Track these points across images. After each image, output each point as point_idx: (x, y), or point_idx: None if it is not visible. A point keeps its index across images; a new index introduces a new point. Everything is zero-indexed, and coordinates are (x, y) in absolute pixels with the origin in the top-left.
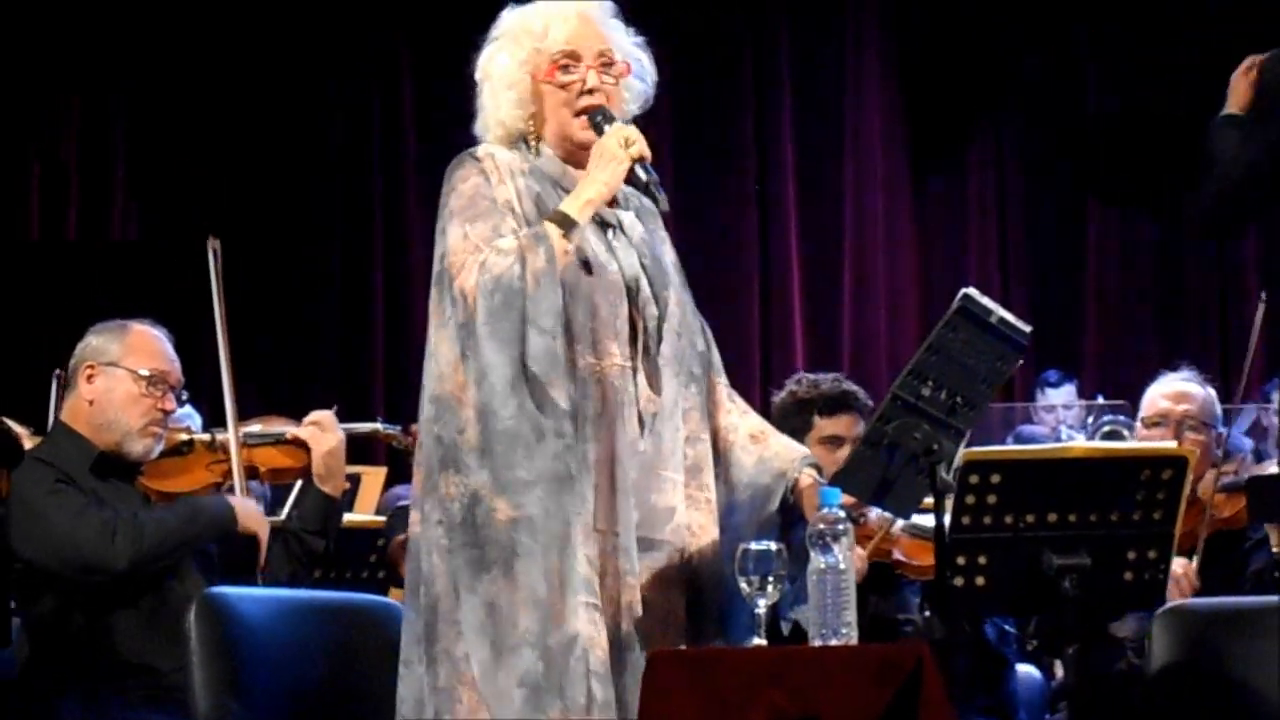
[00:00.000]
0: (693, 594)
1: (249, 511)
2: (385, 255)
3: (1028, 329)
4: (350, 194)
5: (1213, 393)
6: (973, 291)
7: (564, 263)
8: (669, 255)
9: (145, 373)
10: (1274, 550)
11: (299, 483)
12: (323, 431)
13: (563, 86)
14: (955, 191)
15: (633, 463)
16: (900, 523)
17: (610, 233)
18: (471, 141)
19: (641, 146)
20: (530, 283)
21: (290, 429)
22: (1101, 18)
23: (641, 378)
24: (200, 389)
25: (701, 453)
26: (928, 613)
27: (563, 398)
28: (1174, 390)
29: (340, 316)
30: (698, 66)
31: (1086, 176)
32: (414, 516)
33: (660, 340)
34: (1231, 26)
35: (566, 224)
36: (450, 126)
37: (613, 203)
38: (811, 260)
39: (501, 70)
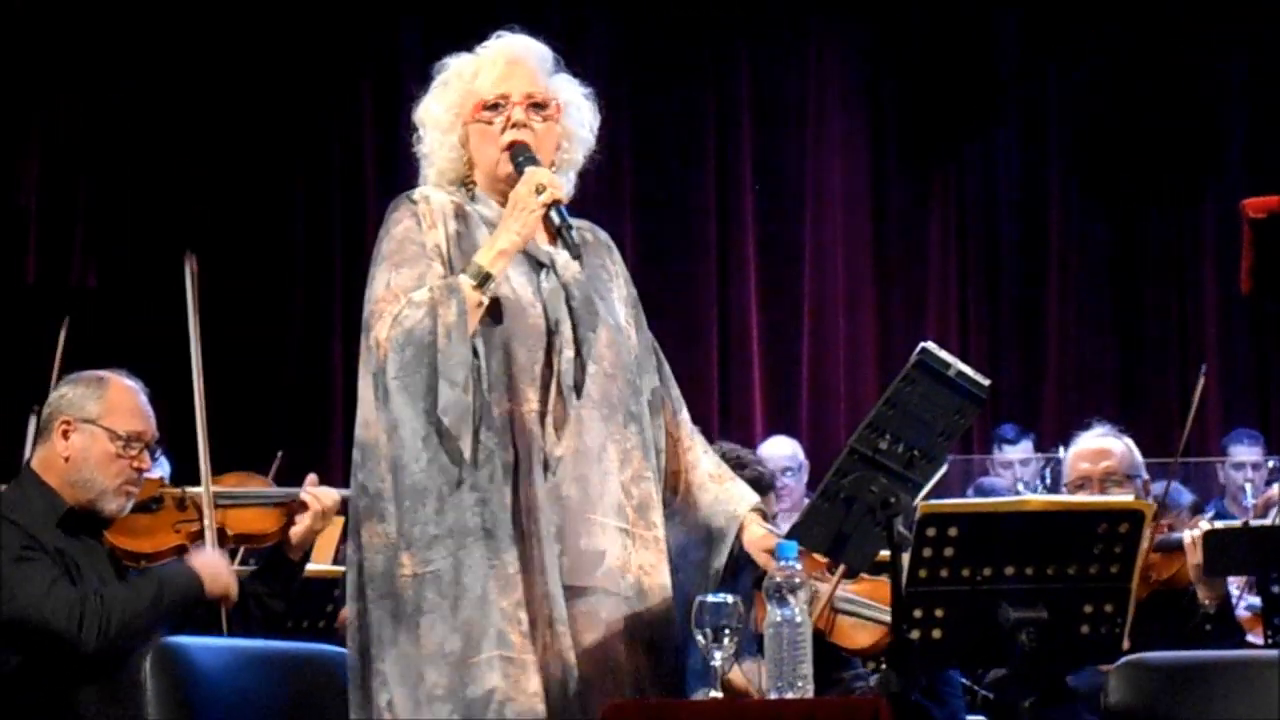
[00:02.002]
0: (643, 637)
1: (215, 575)
2: (344, 300)
3: (986, 382)
4: (312, 237)
5: (1130, 443)
6: (931, 345)
7: (476, 315)
8: (618, 290)
9: (123, 433)
10: (1203, 603)
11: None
12: (320, 506)
13: (489, 123)
14: (915, 245)
15: (554, 509)
16: (839, 597)
17: (542, 273)
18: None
19: (554, 191)
20: (441, 336)
21: (271, 490)
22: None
23: (550, 422)
24: (168, 433)
25: (646, 491)
26: (884, 666)
27: (470, 450)
28: (1091, 449)
29: (301, 364)
30: (658, 115)
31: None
32: (347, 560)
33: (580, 383)
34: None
35: (480, 276)
36: (411, 162)
37: (554, 237)
38: (770, 313)
39: (434, 116)
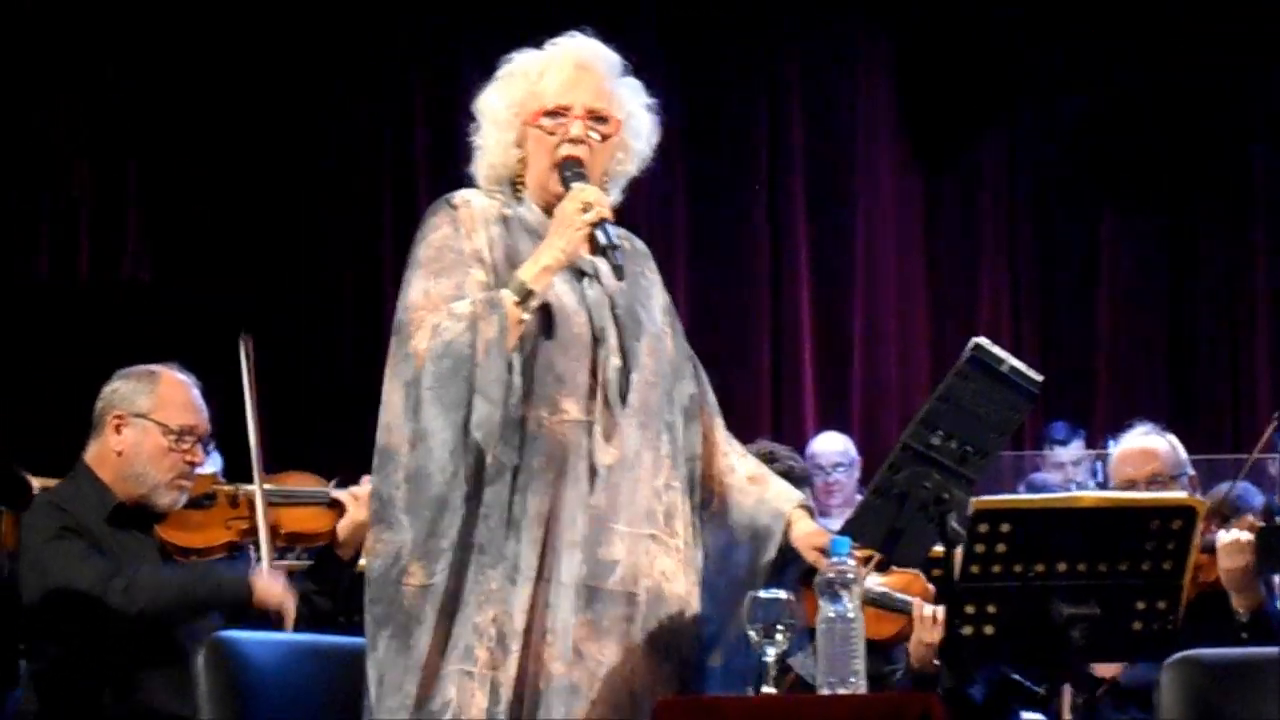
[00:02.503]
0: (656, 643)
1: (268, 587)
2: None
3: (1039, 377)
4: (359, 236)
5: (1174, 441)
6: (984, 340)
7: (517, 332)
8: (658, 298)
9: (175, 427)
10: (1238, 612)
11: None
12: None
13: (549, 133)
14: (966, 241)
15: (581, 518)
16: (868, 588)
17: (585, 281)
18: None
19: (601, 210)
20: (480, 351)
21: (325, 490)
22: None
23: (599, 431)
24: (221, 434)
25: (673, 500)
26: (937, 661)
27: (490, 466)
28: (1135, 451)
29: (352, 359)
30: (710, 108)
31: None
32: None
33: (625, 392)
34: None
35: (523, 292)
36: (462, 153)
37: (593, 247)
38: (822, 310)
39: (494, 110)
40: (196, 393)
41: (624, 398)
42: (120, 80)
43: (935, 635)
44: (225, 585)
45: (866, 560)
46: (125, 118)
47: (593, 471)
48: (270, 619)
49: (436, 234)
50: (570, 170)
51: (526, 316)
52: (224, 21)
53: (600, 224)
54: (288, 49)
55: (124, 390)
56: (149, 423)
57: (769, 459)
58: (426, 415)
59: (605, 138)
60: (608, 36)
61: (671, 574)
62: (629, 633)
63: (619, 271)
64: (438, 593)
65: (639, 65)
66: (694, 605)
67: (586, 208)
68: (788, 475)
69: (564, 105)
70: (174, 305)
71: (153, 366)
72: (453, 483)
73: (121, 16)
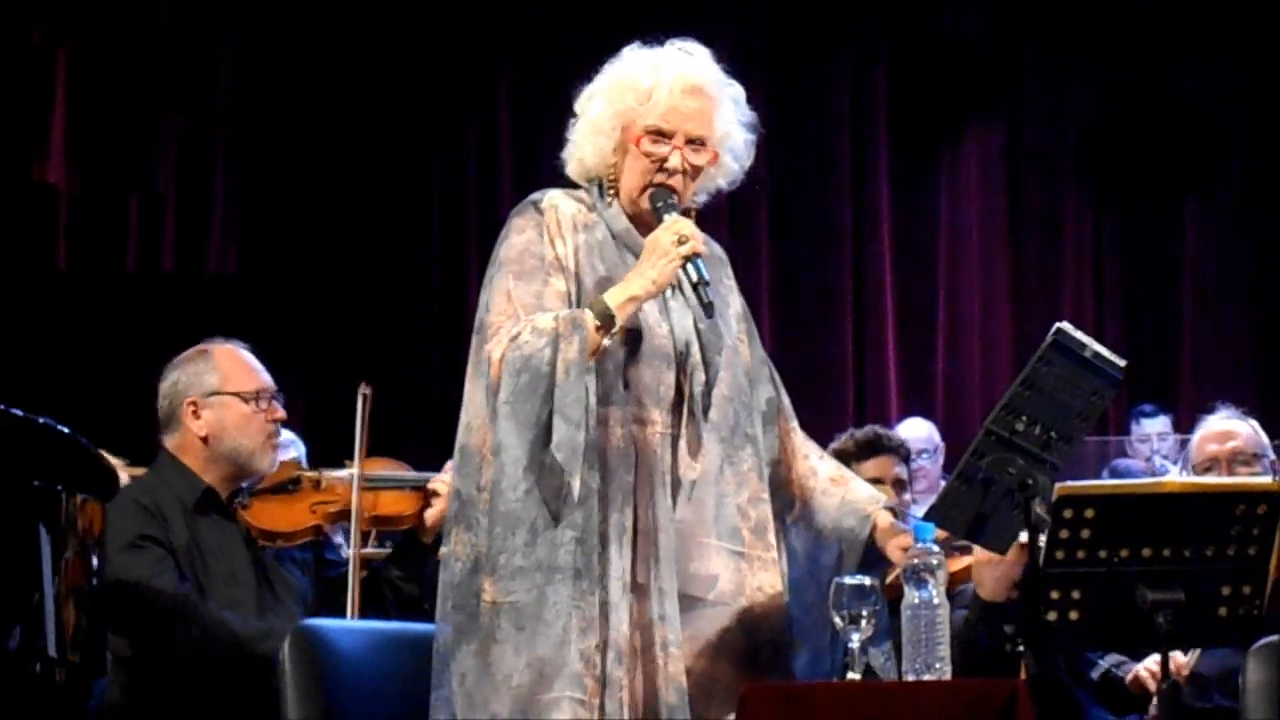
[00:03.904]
0: (753, 655)
1: None
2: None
3: (1122, 363)
4: (448, 230)
5: (1255, 424)
6: (1066, 326)
7: (595, 358)
8: (734, 305)
9: (251, 391)
10: None
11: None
12: None
13: (646, 154)
14: (1049, 225)
15: (670, 531)
16: None
17: (670, 292)
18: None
19: (695, 244)
20: (560, 371)
21: (423, 476)
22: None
23: (683, 445)
24: (306, 424)
25: (763, 513)
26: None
27: (577, 488)
28: (1216, 431)
29: (439, 351)
30: (792, 102)
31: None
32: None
33: (707, 407)
34: None
35: (606, 318)
36: (546, 149)
37: (685, 282)
38: (905, 299)
39: (596, 114)
40: (250, 355)
41: (706, 411)
42: (211, 77)
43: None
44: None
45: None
46: (213, 112)
47: (674, 485)
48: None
49: (520, 237)
50: (663, 200)
51: (607, 342)
52: (309, 19)
53: (693, 258)
54: (372, 45)
55: (185, 378)
56: (224, 397)
57: (876, 440)
58: (502, 430)
59: (699, 169)
60: (689, 20)
61: (769, 587)
62: (732, 645)
63: (709, 309)
64: (517, 613)
65: (723, 51)
66: (787, 615)
67: (681, 240)
68: (896, 451)
69: (668, 131)
70: (259, 297)
71: (199, 346)
72: (526, 501)
73: (213, 15)
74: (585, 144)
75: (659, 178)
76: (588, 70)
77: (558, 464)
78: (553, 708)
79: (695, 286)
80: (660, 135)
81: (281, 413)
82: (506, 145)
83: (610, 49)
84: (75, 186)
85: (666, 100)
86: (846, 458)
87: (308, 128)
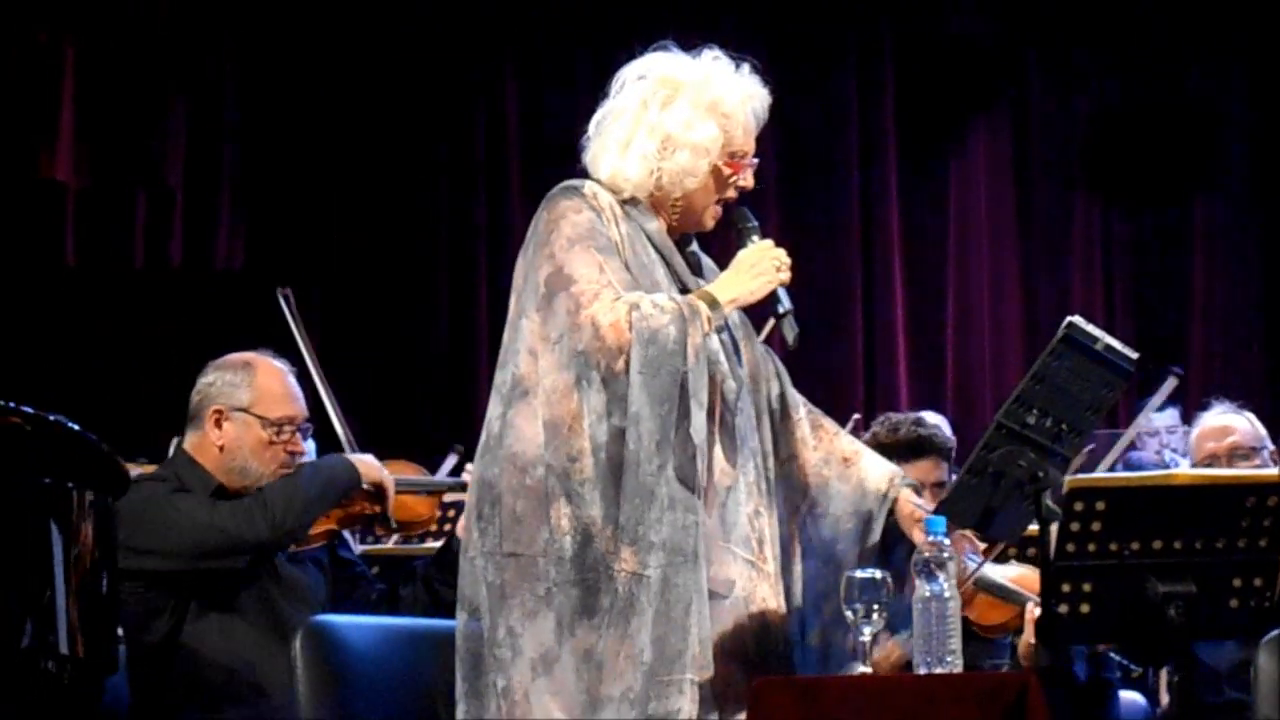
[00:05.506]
0: (760, 655)
1: (370, 464)
2: (489, 284)
3: (1134, 355)
4: (455, 222)
5: (1252, 418)
6: (1078, 319)
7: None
8: (736, 311)
9: (275, 419)
10: None
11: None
12: None
13: (724, 171)
14: (1059, 218)
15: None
16: (978, 574)
17: None
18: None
19: (788, 275)
20: (691, 356)
21: (435, 480)
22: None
23: (719, 450)
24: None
25: (763, 525)
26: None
27: (703, 474)
28: (1214, 427)
29: (448, 350)
30: (803, 88)
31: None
32: (474, 535)
33: (735, 414)
34: None
35: (714, 308)
36: (553, 150)
37: (699, 271)
38: (915, 289)
39: (676, 126)
40: (293, 380)
41: (733, 420)
42: (219, 73)
43: None
44: (336, 475)
45: (989, 548)
46: (221, 107)
47: (712, 491)
48: (377, 502)
49: (581, 215)
50: (747, 222)
51: (710, 331)
52: (316, 14)
53: (785, 288)
54: (379, 39)
55: (221, 384)
56: (249, 416)
57: (919, 442)
58: (636, 400)
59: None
60: (696, 18)
61: (771, 599)
62: (745, 648)
63: (794, 339)
64: (652, 588)
65: (729, 50)
66: (787, 628)
67: (781, 266)
68: (941, 452)
69: (745, 152)
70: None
71: (248, 355)
72: (659, 477)
73: (222, 11)
74: (632, 151)
75: (730, 193)
76: (590, 67)
77: (691, 445)
78: (675, 690)
79: (780, 316)
80: (737, 155)
81: (301, 446)
82: (514, 138)
83: (616, 44)
84: (83, 182)
85: (752, 122)
86: (887, 453)
87: (315, 125)
